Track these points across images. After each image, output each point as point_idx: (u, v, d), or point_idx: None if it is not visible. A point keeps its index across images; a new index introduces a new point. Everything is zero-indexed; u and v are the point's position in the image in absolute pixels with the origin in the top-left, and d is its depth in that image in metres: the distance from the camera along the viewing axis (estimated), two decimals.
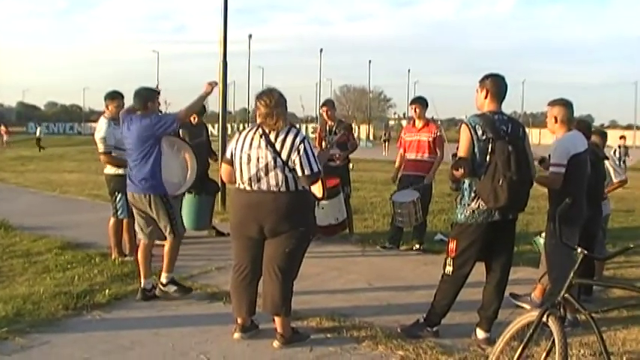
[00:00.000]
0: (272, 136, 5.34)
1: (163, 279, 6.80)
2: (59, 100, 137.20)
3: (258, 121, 5.42)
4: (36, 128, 50.15)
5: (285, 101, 5.47)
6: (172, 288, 6.79)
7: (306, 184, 5.41)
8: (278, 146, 5.31)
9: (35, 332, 5.72)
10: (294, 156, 5.29)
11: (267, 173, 5.31)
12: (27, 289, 6.96)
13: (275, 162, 5.29)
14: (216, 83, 7.11)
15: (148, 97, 6.80)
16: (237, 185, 5.54)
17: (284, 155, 5.29)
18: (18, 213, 12.47)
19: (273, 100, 5.36)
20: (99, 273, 7.66)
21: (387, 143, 48.95)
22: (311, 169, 5.34)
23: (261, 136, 5.37)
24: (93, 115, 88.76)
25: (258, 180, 5.34)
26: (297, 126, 5.88)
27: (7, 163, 29.62)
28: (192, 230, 9.92)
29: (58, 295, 6.66)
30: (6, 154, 39.25)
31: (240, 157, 5.41)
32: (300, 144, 5.31)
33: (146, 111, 6.72)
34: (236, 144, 5.50)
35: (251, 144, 5.39)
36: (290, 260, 5.44)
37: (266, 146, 5.32)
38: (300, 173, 5.32)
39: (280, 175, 5.30)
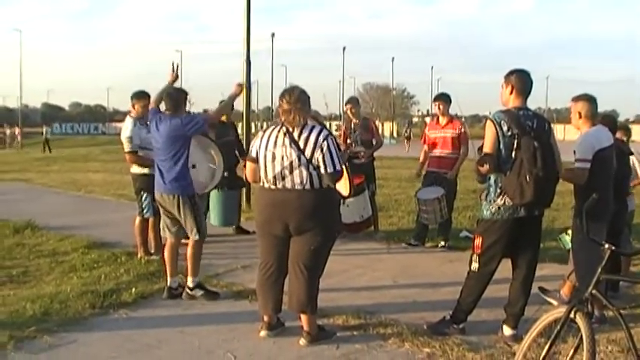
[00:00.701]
0: (295, 134, 5.34)
1: (190, 283, 6.80)
2: (83, 101, 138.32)
3: (282, 118, 5.43)
4: (44, 129, 49.45)
5: (308, 98, 5.47)
6: (199, 292, 6.78)
7: (328, 182, 5.40)
8: (302, 144, 5.30)
9: (62, 331, 5.77)
10: (318, 153, 5.28)
11: (291, 171, 5.30)
12: (54, 289, 7.03)
13: (299, 160, 5.27)
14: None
15: (179, 98, 6.82)
16: (261, 183, 5.54)
17: (308, 153, 5.28)
18: (44, 213, 12.60)
19: (294, 96, 5.35)
20: (125, 272, 7.71)
21: (408, 140, 48.81)
22: (334, 166, 5.32)
23: (285, 134, 5.36)
24: (117, 115, 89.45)
25: (283, 178, 5.34)
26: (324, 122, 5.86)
27: (32, 164, 29.91)
28: (221, 226, 9.94)
29: (85, 294, 6.71)
30: (31, 154, 39.57)
31: (265, 156, 5.41)
32: (323, 141, 5.30)
33: (176, 112, 6.74)
34: (260, 142, 5.49)
35: (275, 142, 5.39)
36: (315, 258, 5.43)
37: (290, 144, 5.31)
38: (322, 171, 5.31)
39: (305, 173, 5.29)
